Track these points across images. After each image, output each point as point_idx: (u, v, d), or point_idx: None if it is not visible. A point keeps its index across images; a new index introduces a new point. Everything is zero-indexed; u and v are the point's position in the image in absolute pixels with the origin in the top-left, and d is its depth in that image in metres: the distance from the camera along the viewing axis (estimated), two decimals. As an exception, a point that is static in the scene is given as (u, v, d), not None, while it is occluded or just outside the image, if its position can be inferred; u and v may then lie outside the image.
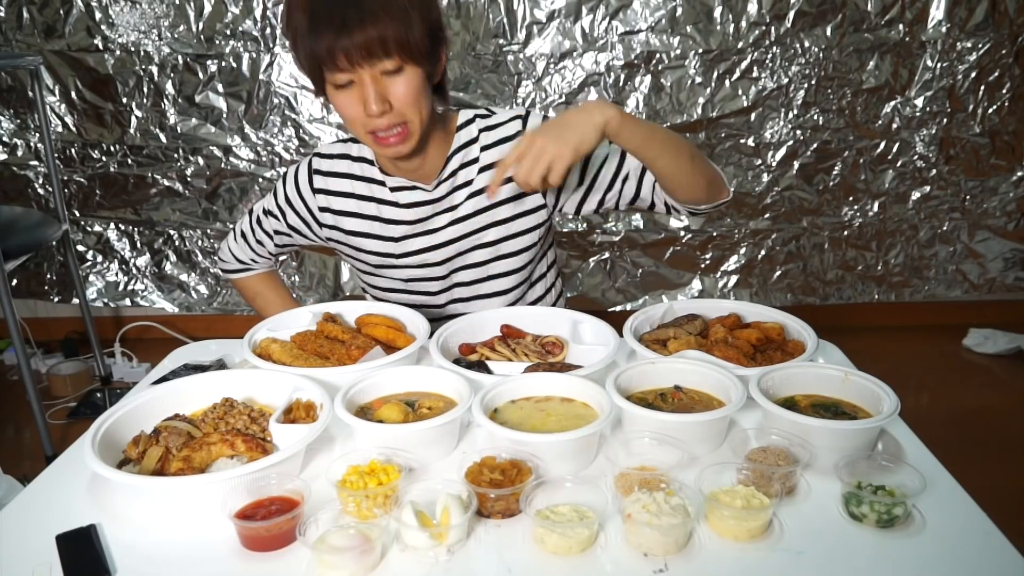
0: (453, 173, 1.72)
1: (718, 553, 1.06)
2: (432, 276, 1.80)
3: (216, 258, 2.03)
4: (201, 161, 3.60)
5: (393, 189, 1.74)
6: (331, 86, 1.49)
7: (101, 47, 3.40)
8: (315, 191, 1.77)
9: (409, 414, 1.29)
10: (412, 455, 1.22)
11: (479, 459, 1.17)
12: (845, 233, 3.77)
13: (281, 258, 1.98)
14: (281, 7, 3.29)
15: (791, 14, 3.32)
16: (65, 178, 3.63)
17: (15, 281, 3.88)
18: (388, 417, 1.27)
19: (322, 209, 1.78)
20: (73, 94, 3.49)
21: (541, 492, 1.13)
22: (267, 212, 1.85)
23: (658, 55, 3.39)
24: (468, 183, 1.72)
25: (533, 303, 1.89)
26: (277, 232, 1.86)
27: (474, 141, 1.71)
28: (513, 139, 1.70)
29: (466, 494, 1.10)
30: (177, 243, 3.80)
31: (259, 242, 1.91)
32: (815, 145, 3.56)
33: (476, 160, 1.71)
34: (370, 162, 1.75)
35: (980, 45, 3.39)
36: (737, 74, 3.43)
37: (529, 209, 1.75)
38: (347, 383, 1.34)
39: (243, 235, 1.92)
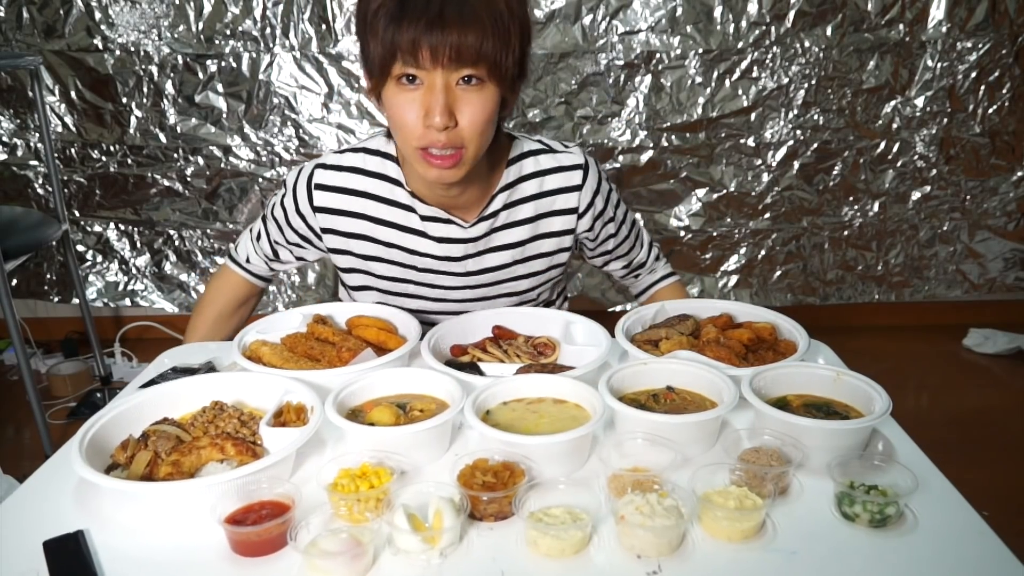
0: (495, 213, 1.61)
1: (711, 554, 1.06)
2: (446, 311, 1.73)
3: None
4: (201, 161, 3.60)
5: (425, 218, 1.60)
6: (393, 83, 1.35)
7: (101, 47, 3.40)
8: (316, 209, 1.63)
9: (401, 416, 1.28)
10: (404, 458, 1.22)
11: (471, 461, 1.17)
12: (845, 233, 3.77)
13: (277, 268, 1.88)
14: (281, 9, 3.31)
15: (791, 14, 3.32)
16: (65, 178, 3.63)
17: (15, 281, 3.88)
18: (379, 420, 1.27)
19: (325, 230, 1.65)
20: (73, 94, 3.49)
21: (534, 494, 1.13)
22: (271, 217, 1.73)
23: (658, 55, 3.39)
24: (509, 226, 1.64)
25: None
26: (277, 243, 1.76)
27: (523, 180, 1.61)
28: (572, 191, 1.63)
29: (458, 497, 1.10)
30: (177, 243, 3.80)
31: (257, 237, 1.80)
32: (815, 145, 3.56)
33: (522, 201, 1.63)
34: (395, 181, 1.60)
35: (980, 45, 3.39)
36: (737, 74, 3.43)
37: (558, 264, 1.75)
38: (338, 385, 1.34)
39: (251, 230, 1.83)
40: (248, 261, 1.85)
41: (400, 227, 1.63)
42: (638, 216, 1.92)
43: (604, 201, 1.69)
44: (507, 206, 1.62)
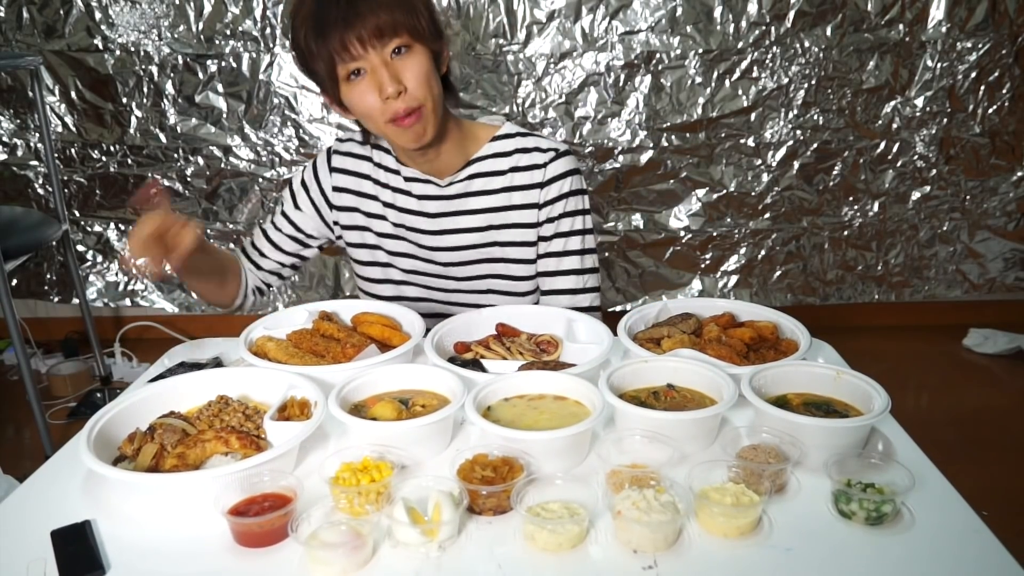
0: (470, 177, 1.74)
1: (707, 550, 1.06)
2: (436, 273, 1.83)
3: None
4: (201, 161, 3.61)
5: (407, 179, 1.76)
6: (344, 83, 1.54)
7: (101, 47, 3.41)
8: (332, 169, 1.81)
9: (403, 412, 1.29)
10: (405, 452, 1.23)
11: (471, 456, 1.18)
12: (845, 233, 3.77)
13: (283, 273, 1.94)
14: (281, 9, 3.32)
15: (791, 14, 3.33)
16: (65, 178, 3.64)
17: (15, 281, 3.88)
18: (382, 415, 1.27)
19: (337, 189, 1.81)
20: (73, 94, 3.50)
21: (532, 489, 1.13)
22: (287, 194, 1.87)
23: (658, 55, 3.40)
24: (484, 192, 1.75)
25: None
26: (285, 215, 1.85)
27: (503, 155, 1.74)
28: (539, 168, 1.73)
29: (458, 491, 1.11)
30: (177, 243, 3.79)
31: (284, 220, 1.87)
32: (815, 145, 3.56)
33: (499, 173, 1.74)
34: (385, 150, 1.78)
35: (980, 45, 3.39)
36: (737, 74, 3.43)
37: (532, 240, 1.78)
38: (341, 381, 1.35)
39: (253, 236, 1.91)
40: (251, 246, 1.92)
41: (392, 188, 1.79)
42: (596, 269, 1.86)
43: (559, 193, 1.75)
44: (484, 174, 1.75)
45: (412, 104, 1.53)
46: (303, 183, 1.85)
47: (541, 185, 1.73)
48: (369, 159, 1.80)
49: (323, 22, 1.48)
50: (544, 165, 1.73)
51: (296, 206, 1.85)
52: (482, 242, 1.78)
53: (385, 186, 1.79)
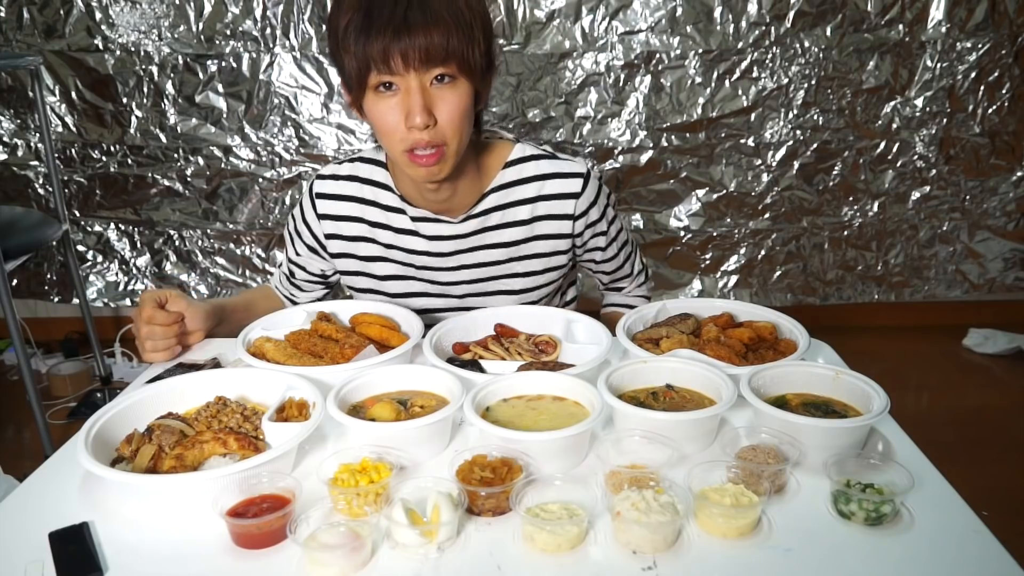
0: (486, 212, 1.66)
1: (707, 550, 1.06)
2: (451, 307, 1.78)
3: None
4: (201, 161, 3.61)
5: (415, 219, 1.67)
6: (371, 92, 1.41)
7: (101, 47, 3.41)
8: (320, 217, 1.71)
9: (401, 413, 1.29)
10: (404, 453, 1.23)
11: (470, 457, 1.17)
12: (845, 233, 3.78)
13: (315, 294, 1.92)
14: (281, 9, 3.31)
15: (791, 14, 3.33)
16: (65, 178, 3.64)
17: (15, 281, 3.89)
18: (380, 416, 1.27)
19: (329, 236, 1.72)
20: (73, 94, 3.50)
21: (531, 490, 1.13)
22: (287, 234, 1.81)
23: (658, 55, 3.40)
24: (504, 225, 1.68)
25: None
26: (292, 261, 1.83)
27: (521, 183, 1.65)
28: (570, 197, 1.66)
29: (456, 492, 1.11)
30: (177, 243, 3.80)
31: (294, 266, 1.85)
32: (815, 145, 3.57)
33: (520, 203, 1.66)
34: (384, 187, 1.67)
35: (980, 45, 3.39)
36: (737, 74, 3.44)
37: (556, 266, 1.76)
38: (340, 382, 1.34)
39: (280, 267, 1.90)
40: (282, 284, 1.93)
41: (394, 229, 1.69)
42: (634, 234, 1.92)
43: (600, 213, 1.73)
44: (503, 206, 1.67)
45: (437, 141, 1.42)
46: (297, 232, 1.77)
47: (575, 217, 1.68)
48: (355, 198, 1.69)
49: (370, 21, 1.34)
50: (577, 196, 1.66)
51: (297, 253, 1.81)
52: (502, 274, 1.73)
53: (385, 227, 1.69)
